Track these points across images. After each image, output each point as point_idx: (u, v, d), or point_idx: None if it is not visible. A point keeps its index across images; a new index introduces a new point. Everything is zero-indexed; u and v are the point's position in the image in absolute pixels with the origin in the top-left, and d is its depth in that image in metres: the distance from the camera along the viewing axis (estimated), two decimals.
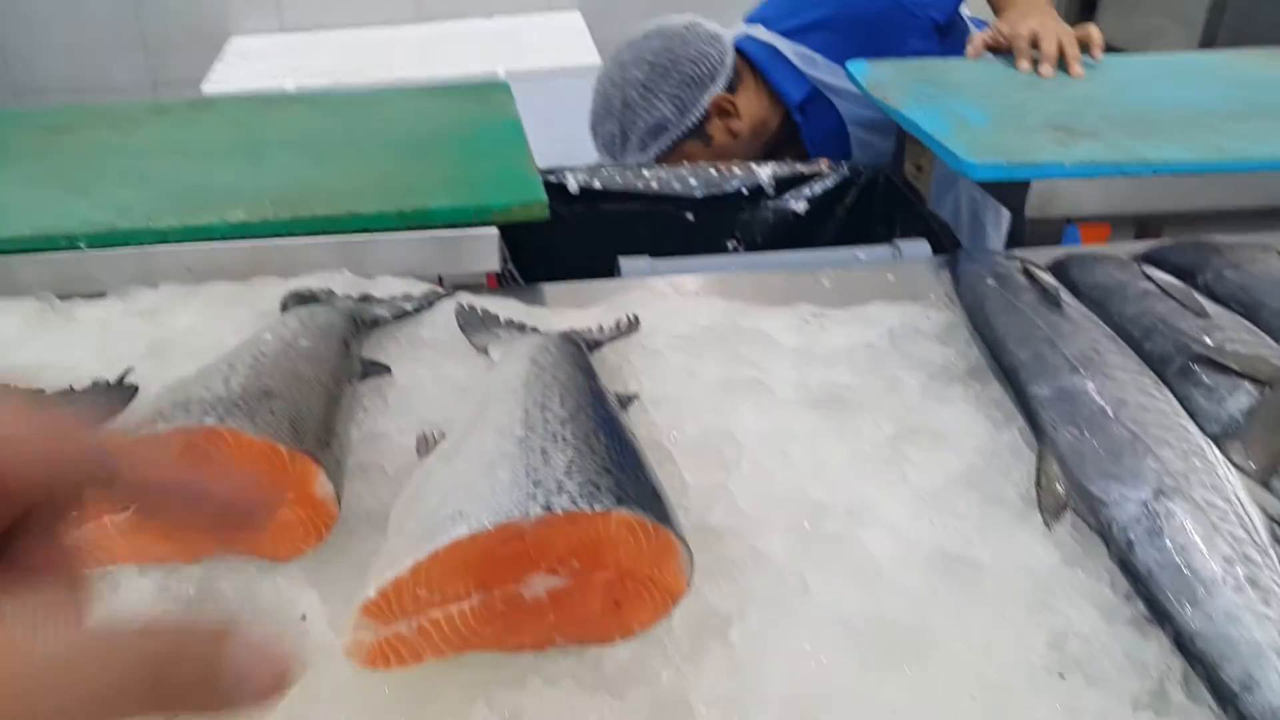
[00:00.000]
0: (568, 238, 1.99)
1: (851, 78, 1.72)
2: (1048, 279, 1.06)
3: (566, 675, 0.63)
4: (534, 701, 0.61)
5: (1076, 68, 1.71)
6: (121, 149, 1.41)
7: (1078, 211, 1.46)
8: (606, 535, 0.60)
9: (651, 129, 2.02)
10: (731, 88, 1.99)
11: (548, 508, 0.59)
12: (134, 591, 0.68)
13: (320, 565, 0.71)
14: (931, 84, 1.65)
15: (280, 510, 0.69)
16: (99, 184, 1.28)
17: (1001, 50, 1.80)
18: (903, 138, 1.85)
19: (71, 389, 0.91)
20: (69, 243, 1.17)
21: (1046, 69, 1.71)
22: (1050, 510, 0.80)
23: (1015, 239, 1.57)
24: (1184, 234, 1.24)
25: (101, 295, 1.12)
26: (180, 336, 1.00)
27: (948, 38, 1.99)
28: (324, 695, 0.62)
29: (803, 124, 2.06)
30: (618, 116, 2.03)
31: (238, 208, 1.20)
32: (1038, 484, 0.83)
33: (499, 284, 1.43)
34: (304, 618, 0.67)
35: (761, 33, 2.02)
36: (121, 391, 0.90)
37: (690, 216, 1.99)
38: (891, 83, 1.65)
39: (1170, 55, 1.92)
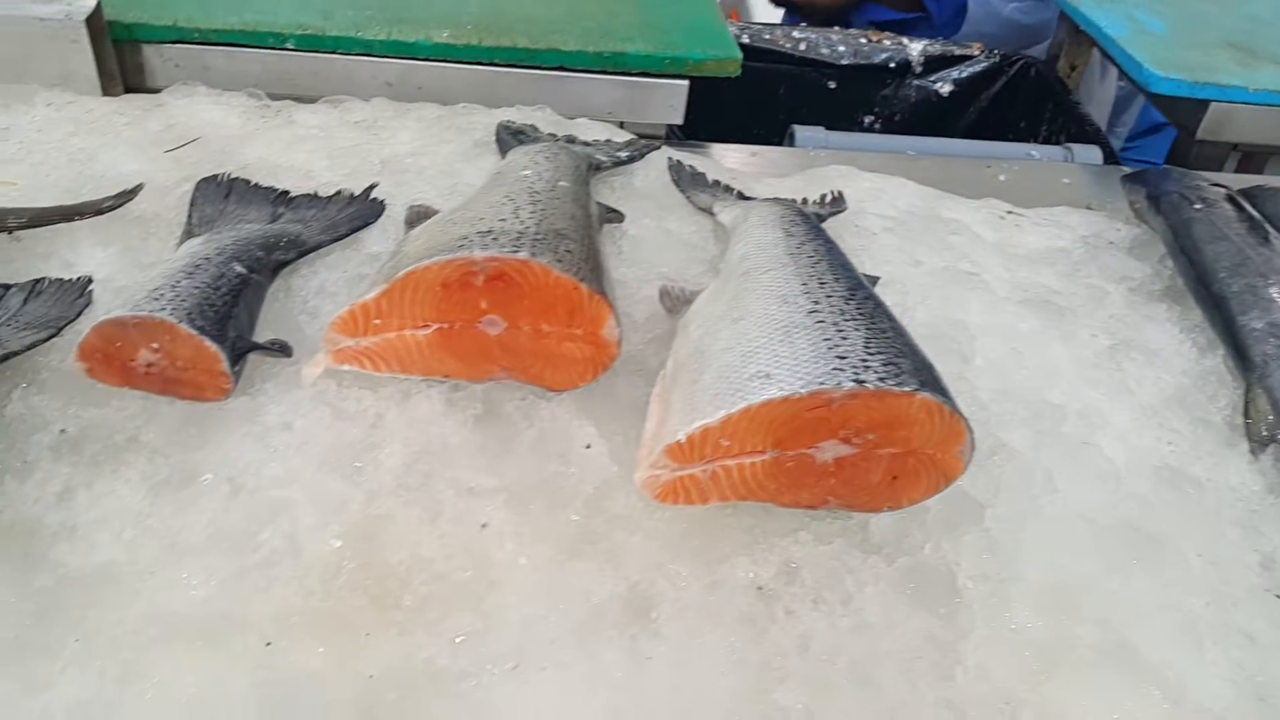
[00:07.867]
0: (704, 91, 1.96)
1: None
2: (1254, 212, 1.06)
3: (837, 535, 0.67)
4: (808, 554, 0.66)
5: None
6: None
7: (1247, 138, 1.45)
8: (907, 415, 0.63)
9: None
10: None
11: (858, 381, 0.63)
12: (424, 403, 0.73)
13: (591, 401, 0.75)
14: None
15: (566, 345, 0.72)
16: None
17: None
18: (1062, 32, 1.81)
19: (316, 195, 0.93)
20: (277, 41, 1.17)
21: None
22: (1258, 440, 0.84)
23: (1177, 159, 1.56)
24: None
25: (312, 101, 1.14)
26: (407, 156, 1.02)
27: None
28: (615, 515, 0.67)
29: None
30: None
31: (443, 29, 1.20)
32: (1245, 415, 0.86)
33: (665, 138, 1.43)
34: (589, 446, 0.71)
35: None
36: (369, 205, 0.92)
37: (831, 85, 1.96)
38: None
39: None
